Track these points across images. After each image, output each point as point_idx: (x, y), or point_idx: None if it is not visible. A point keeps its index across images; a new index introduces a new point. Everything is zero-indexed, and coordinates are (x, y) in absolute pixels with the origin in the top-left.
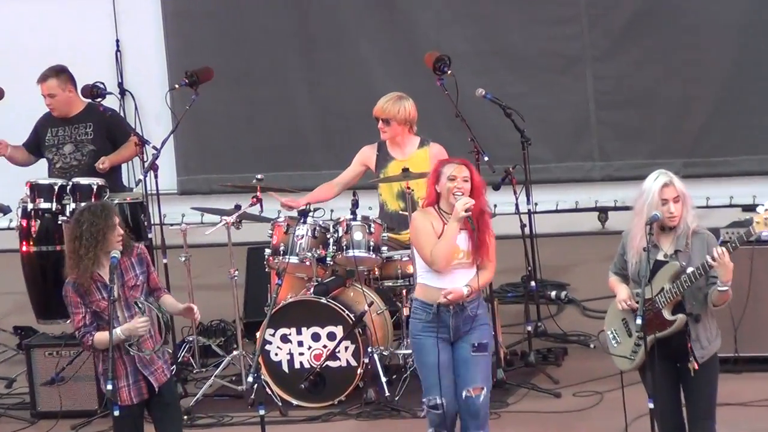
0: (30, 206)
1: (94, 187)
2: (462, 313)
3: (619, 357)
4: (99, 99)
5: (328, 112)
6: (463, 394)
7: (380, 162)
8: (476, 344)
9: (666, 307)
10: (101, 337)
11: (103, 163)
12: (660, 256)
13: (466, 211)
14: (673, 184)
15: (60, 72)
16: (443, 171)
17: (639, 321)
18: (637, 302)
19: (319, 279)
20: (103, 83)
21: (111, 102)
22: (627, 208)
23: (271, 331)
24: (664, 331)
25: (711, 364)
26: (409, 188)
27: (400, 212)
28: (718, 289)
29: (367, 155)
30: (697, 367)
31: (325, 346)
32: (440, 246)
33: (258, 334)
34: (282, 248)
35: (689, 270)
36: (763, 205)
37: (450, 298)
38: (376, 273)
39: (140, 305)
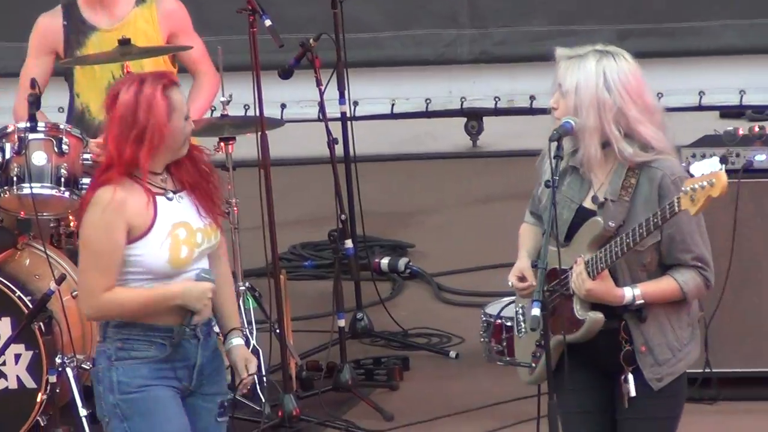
0: None
1: None
2: (210, 339)
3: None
4: None
5: None
6: None
7: (72, 37)
8: (226, 402)
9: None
10: None
11: None
12: (588, 201)
13: None
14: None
15: None
16: (174, 102)
17: (535, 311)
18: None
19: None
20: None
21: None
22: (520, 111)
23: None
24: (573, 334)
25: (672, 394)
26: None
27: None
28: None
29: (48, 30)
30: (634, 393)
31: None
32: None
33: None
34: None
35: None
36: (705, 160)
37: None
38: (73, 225)
39: None
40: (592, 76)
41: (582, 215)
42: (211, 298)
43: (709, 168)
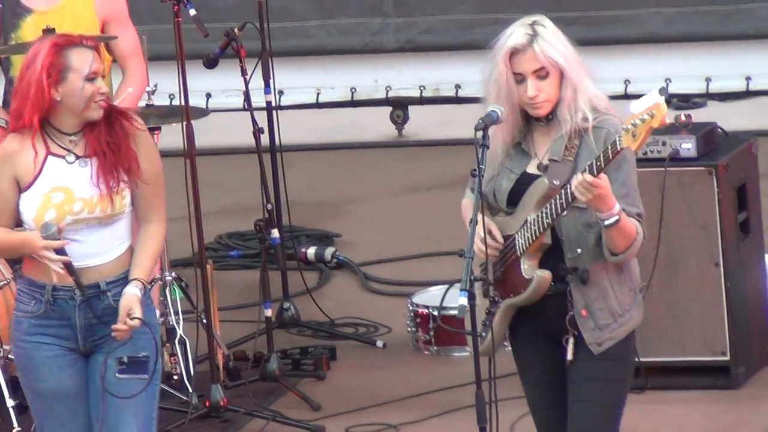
0: None
1: None
2: (98, 303)
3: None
4: None
5: None
6: None
7: (7, 19)
8: (125, 359)
9: (528, 253)
10: None
11: None
12: (532, 167)
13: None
14: (532, 46)
15: None
16: (71, 63)
17: (462, 300)
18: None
19: None
20: None
21: None
22: (445, 100)
23: None
24: (517, 296)
25: (616, 357)
26: None
27: None
28: (603, 224)
29: None
30: (571, 357)
31: None
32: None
33: None
34: None
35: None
36: (644, 96)
37: (63, 270)
38: None
39: None
40: (559, 40)
41: (526, 181)
42: (65, 261)
43: (649, 101)
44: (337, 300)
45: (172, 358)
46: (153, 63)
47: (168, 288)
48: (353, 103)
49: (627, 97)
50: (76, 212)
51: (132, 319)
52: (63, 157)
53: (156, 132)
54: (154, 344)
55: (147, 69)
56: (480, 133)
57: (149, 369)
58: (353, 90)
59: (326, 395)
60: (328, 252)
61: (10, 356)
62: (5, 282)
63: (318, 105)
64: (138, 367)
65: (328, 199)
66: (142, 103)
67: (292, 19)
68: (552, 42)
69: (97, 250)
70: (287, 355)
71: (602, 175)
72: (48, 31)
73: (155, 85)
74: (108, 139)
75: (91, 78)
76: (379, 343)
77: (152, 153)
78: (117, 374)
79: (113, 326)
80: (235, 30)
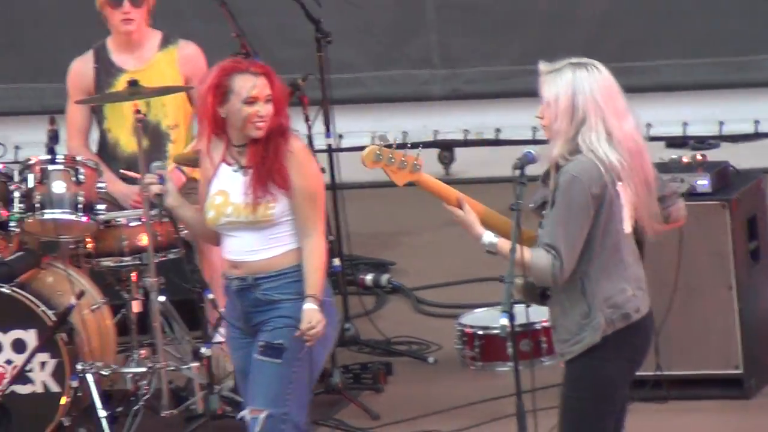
0: None
1: None
2: (249, 294)
3: None
4: None
5: None
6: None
7: (102, 78)
8: (262, 344)
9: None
10: None
11: None
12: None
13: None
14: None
15: None
16: (233, 87)
17: (503, 320)
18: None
19: None
20: None
21: None
22: (487, 143)
23: None
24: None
25: (574, 375)
26: (139, 112)
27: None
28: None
29: (82, 74)
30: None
31: (8, 362)
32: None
33: None
34: None
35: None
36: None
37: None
38: (90, 246)
39: None
40: (566, 86)
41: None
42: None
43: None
44: (392, 321)
45: None
46: None
47: None
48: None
49: (649, 139)
50: (227, 215)
51: (309, 331)
52: (231, 164)
53: None
54: (293, 338)
55: None
56: (518, 172)
57: (283, 356)
58: (405, 133)
59: (384, 406)
60: (384, 278)
61: (102, 372)
62: (98, 305)
63: None
64: (274, 352)
65: (384, 230)
66: None
67: (349, 70)
68: (576, 83)
69: (249, 249)
70: (348, 370)
71: (465, 206)
72: (132, 83)
73: None
74: (263, 154)
75: (249, 102)
76: (431, 359)
77: (307, 171)
78: (256, 355)
79: (298, 333)
80: (299, 81)
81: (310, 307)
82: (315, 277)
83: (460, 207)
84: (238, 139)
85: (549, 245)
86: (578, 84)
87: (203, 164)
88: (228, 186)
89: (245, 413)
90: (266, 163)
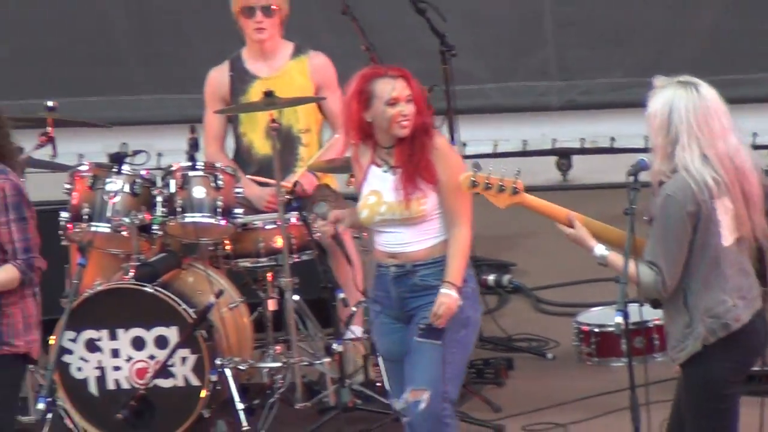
0: None
1: None
2: (408, 280)
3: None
4: None
5: (146, 7)
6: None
7: (237, 85)
8: (422, 326)
9: None
10: None
11: None
12: None
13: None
14: None
15: None
16: (375, 91)
17: (618, 319)
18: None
19: (143, 257)
20: None
21: None
22: (602, 151)
23: (72, 334)
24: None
25: (688, 380)
26: (274, 122)
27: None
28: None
29: (218, 83)
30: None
31: (152, 357)
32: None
33: (52, 339)
34: (86, 211)
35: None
36: None
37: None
38: (228, 248)
39: None
40: (664, 104)
41: None
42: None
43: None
44: (513, 319)
45: (375, 367)
46: None
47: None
48: (524, 153)
49: (755, 147)
50: (382, 213)
51: (438, 313)
52: (380, 166)
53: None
54: (450, 320)
55: None
56: (632, 178)
57: (442, 337)
58: (524, 142)
59: (505, 399)
60: (506, 278)
61: (240, 366)
62: (235, 304)
63: (495, 155)
64: (434, 333)
65: (505, 233)
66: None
67: (472, 82)
68: (674, 102)
69: (405, 241)
70: (472, 365)
71: (575, 223)
72: (267, 94)
73: None
74: (410, 152)
75: (392, 103)
76: (549, 355)
77: (452, 165)
78: (416, 338)
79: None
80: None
81: (445, 291)
82: (456, 264)
83: (571, 225)
84: (385, 141)
85: (651, 262)
86: (675, 103)
87: (354, 170)
88: (379, 186)
89: (405, 396)
90: (413, 160)
